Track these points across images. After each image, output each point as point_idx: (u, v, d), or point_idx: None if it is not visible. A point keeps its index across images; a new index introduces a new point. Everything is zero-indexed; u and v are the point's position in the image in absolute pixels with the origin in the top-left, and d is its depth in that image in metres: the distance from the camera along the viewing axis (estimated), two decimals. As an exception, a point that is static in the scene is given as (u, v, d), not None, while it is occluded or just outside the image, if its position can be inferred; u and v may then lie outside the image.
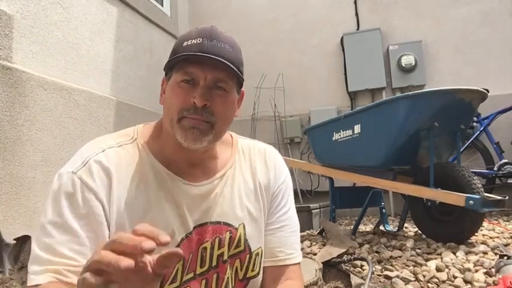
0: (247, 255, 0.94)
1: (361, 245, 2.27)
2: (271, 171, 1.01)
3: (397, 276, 1.71)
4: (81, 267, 0.72)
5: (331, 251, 1.99)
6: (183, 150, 0.88)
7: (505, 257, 1.63)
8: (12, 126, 2.28)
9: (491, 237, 2.32)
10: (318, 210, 3.44)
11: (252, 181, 0.99)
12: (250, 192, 0.97)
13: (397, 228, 2.75)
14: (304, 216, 3.23)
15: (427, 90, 2.27)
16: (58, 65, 2.77)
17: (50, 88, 2.60)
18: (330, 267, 1.90)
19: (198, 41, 0.84)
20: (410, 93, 2.24)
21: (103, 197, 0.81)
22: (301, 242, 2.50)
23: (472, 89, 2.20)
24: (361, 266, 1.91)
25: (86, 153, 0.85)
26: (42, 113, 2.51)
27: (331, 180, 2.88)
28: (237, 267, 0.93)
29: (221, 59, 0.82)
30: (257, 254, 0.95)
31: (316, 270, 1.58)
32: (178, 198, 0.88)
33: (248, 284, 0.94)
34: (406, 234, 2.55)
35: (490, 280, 1.63)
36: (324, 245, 2.28)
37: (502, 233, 2.45)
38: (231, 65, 0.84)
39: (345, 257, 1.93)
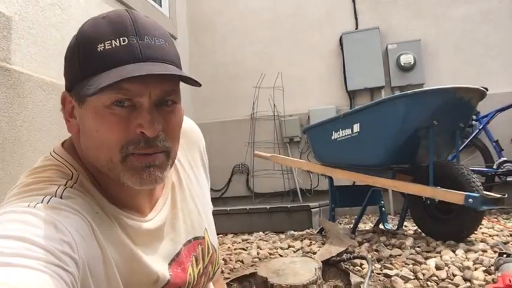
0: (215, 255, 0.88)
1: (360, 243, 2.28)
2: (195, 144, 0.91)
3: (397, 275, 1.71)
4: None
5: (331, 250, 1.99)
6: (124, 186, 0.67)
7: (504, 255, 1.63)
8: (11, 127, 2.28)
9: (490, 235, 2.32)
10: (318, 209, 3.44)
11: (193, 174, 0.87)
12: (197, 187, 0.87)
13: (396, 226, 2.75)
14: (304, 215, 3.23)
15: (426, 88, 2.27)
16: (57, 66, 2.77)
17: (49, 89, 2.60)
18: (330, 266, 1.90)
19: (122, 42, 0.60)
20: (409, 91, 2.23)
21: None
22: (301, 241, 2.51)
23: (471, 88, 2.20)
24: (361, 264, 1.91)
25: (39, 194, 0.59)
26: (41, 114, 2.51)
27: (330, 179, 2.88)
28: (209, 271, 0.87)
29: (172, 71, 0.60)
30: (218, 248, 0.89)
31: (315, 269, 1.58)
32: (146, 246, 0.71)
33: (214, 276, 0.91)
34: (405, 233, 2.55)
35: (489, 278, 1.63)
36: (323, 244, 2.29)
37: (501, 231, 2.45)
38: (180, 72, 0.62)
39: (344, 256, 1.93)
